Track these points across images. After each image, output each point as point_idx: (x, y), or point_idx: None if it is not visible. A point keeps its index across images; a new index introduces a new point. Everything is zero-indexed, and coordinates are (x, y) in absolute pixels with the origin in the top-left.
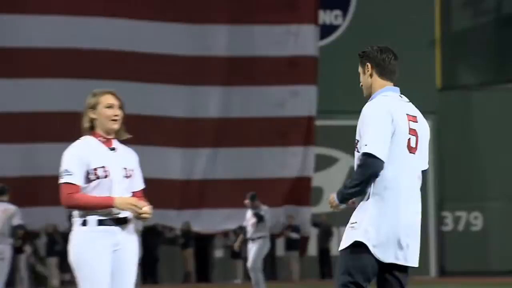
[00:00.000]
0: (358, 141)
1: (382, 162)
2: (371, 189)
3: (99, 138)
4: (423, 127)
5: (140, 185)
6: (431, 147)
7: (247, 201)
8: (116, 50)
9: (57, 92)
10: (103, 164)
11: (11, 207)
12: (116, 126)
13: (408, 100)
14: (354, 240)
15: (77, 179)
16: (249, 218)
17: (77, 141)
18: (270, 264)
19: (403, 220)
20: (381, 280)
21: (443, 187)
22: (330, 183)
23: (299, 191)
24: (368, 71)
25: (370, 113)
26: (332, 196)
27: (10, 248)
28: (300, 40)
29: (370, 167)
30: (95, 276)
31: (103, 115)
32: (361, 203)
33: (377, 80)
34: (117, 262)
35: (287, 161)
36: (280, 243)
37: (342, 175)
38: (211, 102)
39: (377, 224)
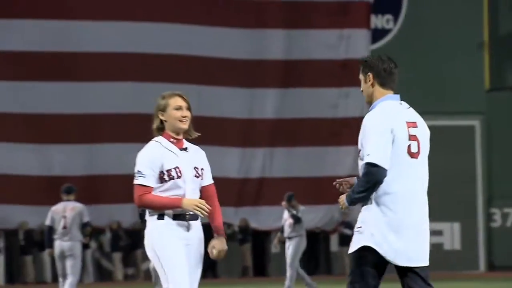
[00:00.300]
0: (360, 150)
1: (385, 170)
2: (373, 194)
3: (170, 139)
4: (424, 132)
5: (209, 180)
6: (480, 146)
7: (284, 203)
8: (178, 55)
9: (122, 94)
10: (176, 165)
11: (79, 205)
12: (185, 126)
13: (409, 106)
14: (361, 244)
15: (150, 180)
16: (286, 218)
17: (150, 143)
18: (325, 259)
19: (407, 222)
20: (403, 277)
21: (492, 185)
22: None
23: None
24: (369, 80)
25: (370, 123)
26: (342, 199)
27: (80, 244)
28: (352, 43)
29: (374, 176)
30: (177, 264)
31: (172, 117)
32: (365, 207)
33: (378, 89)
34: (191, 254)
35: (340, 160)
36: (334, 239)
37: None
38: (267, 103)
39: (381, 227)
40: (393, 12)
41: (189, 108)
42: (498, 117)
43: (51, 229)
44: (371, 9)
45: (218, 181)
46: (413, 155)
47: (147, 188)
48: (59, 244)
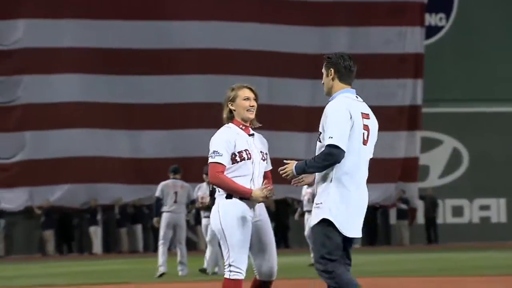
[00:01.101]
0: (321, 133)
1: (344, 152)
2: (333, 174)
3: (240, 126)
4: (374, 123)
5: (269, 166)
6: None
7: None
8: (251, 50)
9: (202, 86)
10: (246, 148)
11: (187, 185)
12: (252, 115)
13: (362, 100)
14: (321, 217)
15: (224, 159)
16: (305, 194)
17: (223, 128)
18: (385, 231)
19: (359, 201)
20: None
21: None
22: (435, 161)
23: (408, 169)
24: (331, 75)
25: (333, 110)
26: (290, 167)
27: (185, 217)
28: (408, 39)
29: (334, 156)
30: (238, 241)
31: (240, 106)
32: (324, 185)
33: (337, 83)
34: (259, 231)
35: (395, 143)
36: (392, 213)
37: (446, 154)
38: None
39: (339, 204)
40: (445, 11)
41: (256, 99)
42: None
43: (159, 201)
44: (425, 9)
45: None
46: (364, 143)
47: (221, 166)
48: (169, 216)
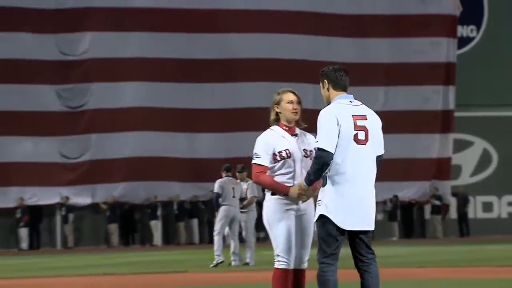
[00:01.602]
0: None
1: (330, 153)
2: (328, 173)
3: (283, 127)
4: (373, 122)
5: None
6: None
7: None
8: (299, 60)
9: (256, 92)
10: (286, 147)
11: (239, 181)
12: (295, 117)
13: (360, 103)
14: (319, 214)
15: (264, 160)
16: None
17: (266, 131)
18: (420, 225)
19: (355, 196)
20: (351, 242)
21: None
22: (467, 161)
23: (442, 168)
24: (326, 86)
25: (321, 117)
26: (302, 183)
27: (239, 212)
28: (442, 49)
29: (322, 158)
30: (286, 231)
31: (285, 109)
32: (324, 187)
33: (332, 92)
34: (301, 224)
35: (429, 145)
36: (427, 209)
37: (477, 155)
38: (377, 99)
39: (334, 200)
40: (476, 23)
41: (299, 102)
42: None
43: (219, 196)
44: (457, 21)
45: None
46: (360, 142)
47: (262, 167)
48: (228, 209)
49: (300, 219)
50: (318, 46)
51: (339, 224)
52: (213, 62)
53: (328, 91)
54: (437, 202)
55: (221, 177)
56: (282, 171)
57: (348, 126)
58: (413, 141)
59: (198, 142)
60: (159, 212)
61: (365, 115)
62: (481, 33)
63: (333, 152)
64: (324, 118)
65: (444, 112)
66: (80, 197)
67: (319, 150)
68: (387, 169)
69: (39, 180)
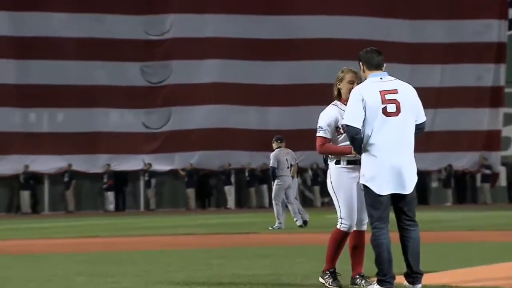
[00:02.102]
0: None
1: (355, 128)
2: (363, 144)
3: (344, 102)
4: (406, 95)
5: None
6: None
7: None
8: (362, 39)
9: (322, 70)
10: None
11: (291, 151)
12: None
13: (393, 79)
14: (361, 183)
15: (327, 133)
16: None
17: (330, 106)
18: (472, 192)
19: (389, 163)
20: (393, 206)
21: None
22: None
23: (491, 140)
24: (361, 67)
25: (350, 95)
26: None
27: (291, 179)
28: (494, 30)
29: (348, 132)
30: (347, 200)
31: (345, 87)
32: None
33: (367, 72)
34: (358, 189)
35: (481, 119)
36: (478, 177)
37: None
38: (434, 76)
39: (370, 169)
40: None
41: (358, 83)
42: None
43: (275, 169)
44: (508, 5)
45: None
46: (389, 114)
47: (325, 139)
48: (284, 179)
49: (357, 185)
50: (379, 27)
51: (375, 190)
52: (281, 41)
53: (363, 71)
54: (487, 171)
55: (272, 148)
56: (345, 143)
57: (374, 100)
58: (466, 115)
59: (267, 115)
60: (232, 179)
61: (396, 89)
62: None
63: (357, 126)
64: (351, 96)
65: (495, 88)
66: (161, 164)
67: (346, 126)
68: (442, 141)
69: (124, 149)
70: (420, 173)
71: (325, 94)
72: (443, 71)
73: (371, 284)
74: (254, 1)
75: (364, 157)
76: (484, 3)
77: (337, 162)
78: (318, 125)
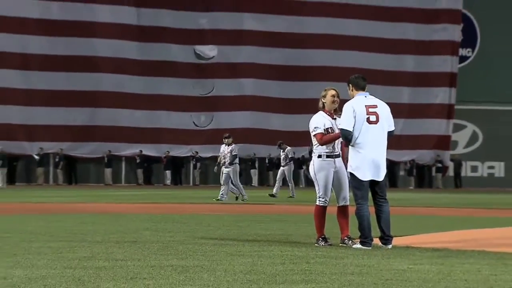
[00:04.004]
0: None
1: (349, 131)
2: (351, 143)
3: (327, 112)
4: (383, 109)
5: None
6: None
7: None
8: (362, 68)
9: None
10: (330, 126)
11: (289, 147)
12: (335, 106)
13: (373, 97)
14: (349, 171)
15: (322, 130)
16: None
17: (317, 113)
18: (428, 179)
19: (369, 158)
20: (370, 188)
21: None
22: (461, 138)
23: (444, 142)
24: (351, 87)
25: (344, 107)
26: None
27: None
28: (448, 63)
29: (343, 134)
30: (325, 183)
31: (328, 101)
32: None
33: (354, 91)
34: (338, 176)
35: (437, 127)
36: (433, 169)
37: (468, 134)
38: (403, 95)
39: (355, 161)
40: (471, 46)
41: (338, 96)
42: None
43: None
44: (459, 45)
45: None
46: (371, 123)
47: (322, 134)
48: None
49: (336, 173)
50: (364, 59)
51: (359, 177)
52: (295, 67)
53: (352, 91)
54: (440, 165)
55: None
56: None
57: (361, 112)
58: (427, 124)
59: (283, 120)
60: (256, 164)
61: (376, 105)
62: (475, 53)
63: (349, 129)
64: (345, 108)
65: (448, 105)
66: (205, 152)
67: (341, 130)
68: (409, 142)
69: (180, 140)
70: (391, 164)
71: (316, 108)
72: (412, 92)
73: (355, 244)
74: (275, 39)
75: (351, 152)
76: (442, 44)
77: (319, 156)
78: (314, 126)
